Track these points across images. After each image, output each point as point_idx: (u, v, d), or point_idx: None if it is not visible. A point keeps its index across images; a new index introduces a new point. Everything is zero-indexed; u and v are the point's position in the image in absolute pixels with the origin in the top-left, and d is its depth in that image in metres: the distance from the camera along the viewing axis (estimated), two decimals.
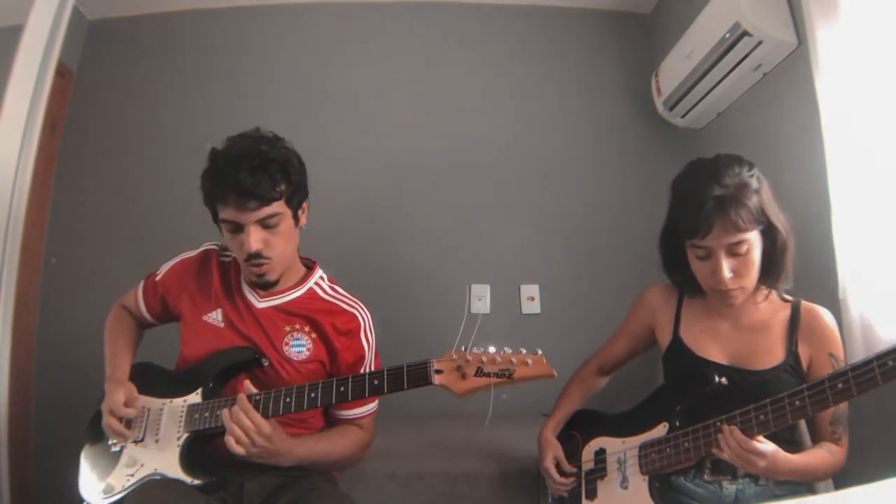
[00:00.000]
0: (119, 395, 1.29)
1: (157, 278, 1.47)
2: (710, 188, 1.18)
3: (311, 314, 1.37)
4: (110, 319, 1.49)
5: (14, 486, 1.91)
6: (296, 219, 1.35)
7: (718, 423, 1.16)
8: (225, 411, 1.17)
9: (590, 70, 2.64)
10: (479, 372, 1.11)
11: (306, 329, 1.36)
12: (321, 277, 1.45)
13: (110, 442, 1.31)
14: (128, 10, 2.61)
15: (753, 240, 1.20)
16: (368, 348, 1.40)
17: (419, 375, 1.14)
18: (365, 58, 2.61)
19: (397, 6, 2.65)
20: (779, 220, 1.23)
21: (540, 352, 1.12)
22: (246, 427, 1.15)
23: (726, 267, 1.20)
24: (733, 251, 1.20)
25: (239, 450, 1.15)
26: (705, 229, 1.18)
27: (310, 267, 1.46)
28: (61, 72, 2.27)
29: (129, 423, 1.29)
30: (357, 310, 1.41)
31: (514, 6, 2.66)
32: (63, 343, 2.21)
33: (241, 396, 1.17)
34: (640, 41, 2.66)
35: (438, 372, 1.13)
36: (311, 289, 1.41)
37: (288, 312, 1.38)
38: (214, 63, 2.60)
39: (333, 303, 1.41)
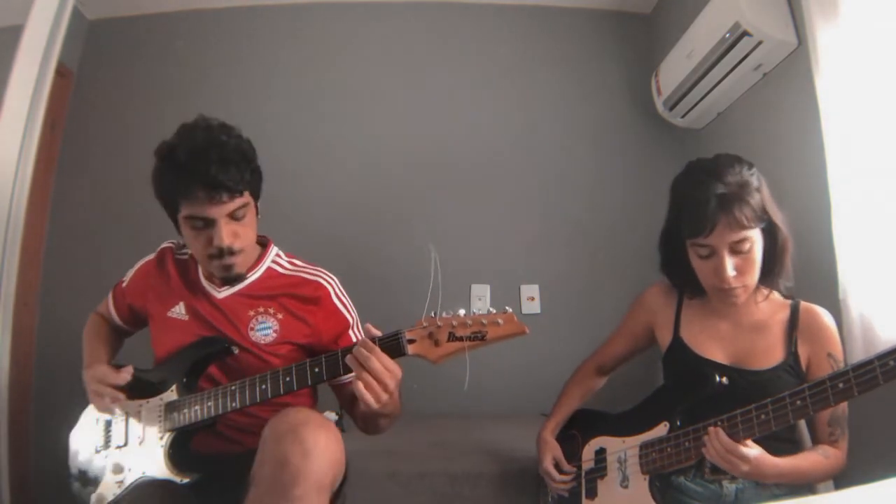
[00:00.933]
0: (101, 366, 1.28)
1: (124, 285, 1.47)
2: (712, 186, 1.19)
3: (272, 292, 1.33)
4: (87, 326, 1.49)
5: (14, 486, 1.91)
6: (257, 207, 1.32)
7: (719, 423, 1.16)
8: (350, 357, 1.08)
9: (590, 70, 2.64)
10: (452, 337, 1.07)
11: (271, 311, 1.32)
12: (277, 254, 1.41)
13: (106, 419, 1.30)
14: (128, 10, 2.61)
15: (755, 237, 1.20)
16: (348, 312, 1.36)
17: (392, 347, 1.09)
18: (365, 58, 2.61)
19: (397, 6, 2.65)
20: (779, 218, 1.24)
21: (509, 309, 1.07)
22: (377, 371, 1.06)
23: (730, 265, 1.20)
24: (736, 249, 1.20)
25: (369, 398, 1.06)
26: (709, 227, 1.18)
27: (263, 244, 1.41)
28: (61, 72, 2.27)
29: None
30: (320, 277, 1.36)
31: (515, 6, 2.66)
32: (63, 343, 2.20)
33: (365, 340, 1.09)
34: (640, 41, 2.66)
35: (411, 342, 1.09)
36: (269, 268, 1.38)
37: (250, 296, 1.34)
38: (214, 63, 2.60)
39: (294, 275, 1.37)
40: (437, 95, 2.60)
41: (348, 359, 1.09)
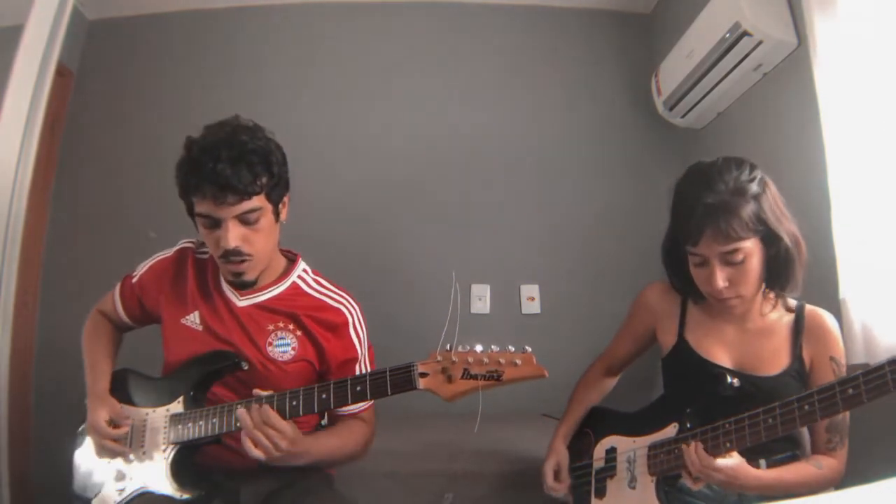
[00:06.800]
0: (103, 413, 1.24)
1: (134, 280, 1.41)
2: (702, 195, 1.16)
3: (294, 311, 1.31)
4: (88, 327, 1.44)
5: (14, 485, 1.91)
6: (276, 214, 1.27)
7: (727, 426, 1.14)
8: (242, 412, 1.12)
9: (590, 70, 2.64)
10: (466, 374, 1.05)
11: (290, 327, 1.30)
12: (304, 270, 1.38)
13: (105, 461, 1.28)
14: (128, 10, 2.61)
15: (751, 248, 1.17)
16: (360, 345, 1.34)
17: (403, 380, 1.09)
18: (367, 57, 2.61)
19: (398, 6, 2.65)
20: (782, 227, 1.19)
21: (529, 349, 1.06)
22: (269, 433, 1.11)
23: (720, 276, 1.17)
24: (728, 260, 1.17)
25: (258, 454, 1.11)
26: (696, 237, 1.16)
27: (291, 260, 1.39)
28: (61, 72, 2.27)
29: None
30: (344, 304, 1.34)
31: (515, 6, 2.66)
32: (63, 343, 2.20)
33: (265, 408, 1.13)
34: (640, 41, 2.66)
35: (423, 375, 1.07)
36: (293, 283, 1.34)
37: (271, 310, 1.31)
38: (214, 63, 2.60)
39: (318, 298, 1.34)
40: (435, 95, 2.60)
41: (239, 412, 1.12)
